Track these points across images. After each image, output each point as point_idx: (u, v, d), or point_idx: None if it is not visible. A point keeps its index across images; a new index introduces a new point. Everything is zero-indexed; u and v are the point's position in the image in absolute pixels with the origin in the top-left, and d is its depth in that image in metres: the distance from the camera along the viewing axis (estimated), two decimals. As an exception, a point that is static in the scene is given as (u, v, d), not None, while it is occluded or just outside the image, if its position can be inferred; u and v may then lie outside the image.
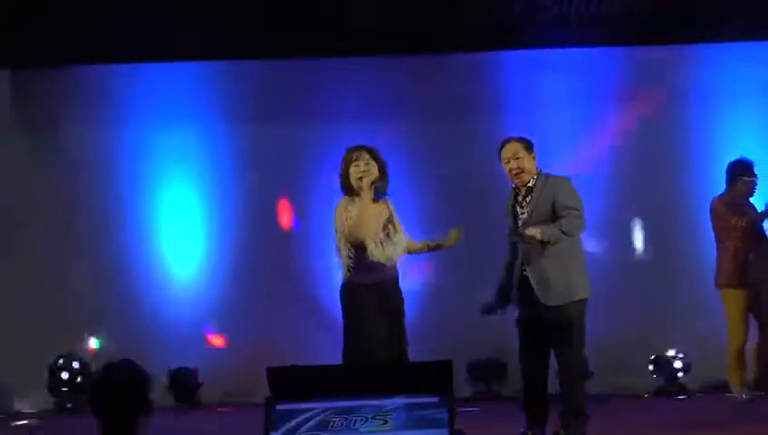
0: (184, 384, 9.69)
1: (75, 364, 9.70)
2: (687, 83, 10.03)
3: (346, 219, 6.34)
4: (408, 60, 9.89)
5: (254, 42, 9.71)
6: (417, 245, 6.67)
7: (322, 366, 5.80)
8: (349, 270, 6.33)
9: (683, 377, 9.70)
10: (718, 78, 9.96)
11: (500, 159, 6.61)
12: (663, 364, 9.70)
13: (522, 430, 6.54)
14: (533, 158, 6.60)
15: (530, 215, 6.49)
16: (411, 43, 9.65)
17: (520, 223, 6.52)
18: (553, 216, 6.45)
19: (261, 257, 9.93)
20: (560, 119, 9.90)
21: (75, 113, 10.19)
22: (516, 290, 6.52)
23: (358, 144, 6.53)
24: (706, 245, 9.82)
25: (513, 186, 6.62)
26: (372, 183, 6.39)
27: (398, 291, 6.42)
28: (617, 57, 10.02)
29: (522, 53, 9.95)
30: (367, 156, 6.42)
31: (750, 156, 8.77)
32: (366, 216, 6.33)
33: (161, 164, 10.22)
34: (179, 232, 10.20)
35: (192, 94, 10.17)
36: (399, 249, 6.38)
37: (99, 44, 9.72)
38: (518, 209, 6.57)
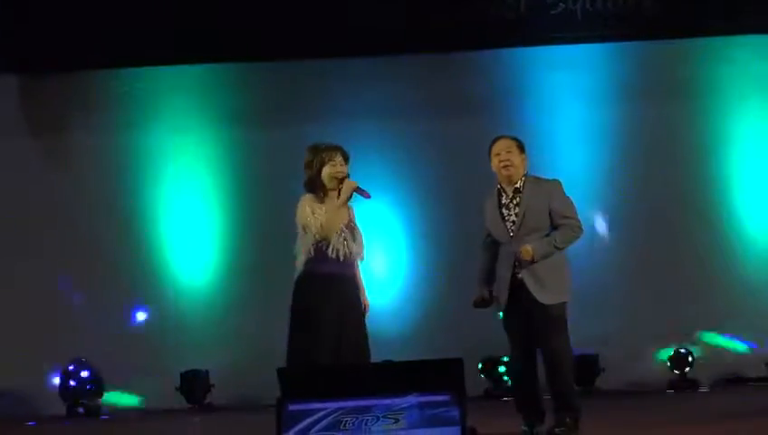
0: (195, 386, 9.69)
1: (86, 370, 9.71)
2: (695, 78, 9.99)
3: (317, 216, 6.31)
4: (413, 59, 9.85)
5: (261, 44, 9.72)
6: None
7: (333, 366, 5.77)
8: (309, 263, 6.30)
9: (694, 372, 9.67)
10: (728, 72, 9.93)
11: (490, 154, 6.57)
12: (674, 360, 9.68)
13: (523, 428, 6.50)
14: (524, 159, 6.54)
15: (521, 218, 6.42)
16: (415, 42, 9.63)
17: (509, 225, 6.46)
18: (549, 220, 6.45)
19: (273, 258, 9.89)
20: (568, 115, 9.88)
21: (83, 118, 10.21)
22: (507, 292, 6.40)
23: (331, 144, 6.47)
24: (717, 239, 9.82)
25: (498, 187, 6.56)
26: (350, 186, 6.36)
27: (357, 286, 6.38)
28: (624, 52, 9.99)
29: (529, 50, 9.92)
30: (341, 158, 6.41)
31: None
32: (337, 215, 6.32)
33: (170, 167, 10.24)
34: (190, 234, 10.21)
35: (200, 97, 10.18)
36: (361, 248, 6.38)
37: (106, 49, 9.73)
38: (504, 211, 6.48)
